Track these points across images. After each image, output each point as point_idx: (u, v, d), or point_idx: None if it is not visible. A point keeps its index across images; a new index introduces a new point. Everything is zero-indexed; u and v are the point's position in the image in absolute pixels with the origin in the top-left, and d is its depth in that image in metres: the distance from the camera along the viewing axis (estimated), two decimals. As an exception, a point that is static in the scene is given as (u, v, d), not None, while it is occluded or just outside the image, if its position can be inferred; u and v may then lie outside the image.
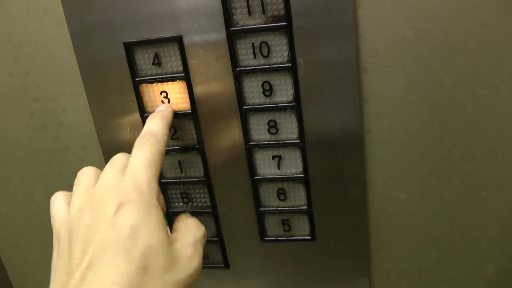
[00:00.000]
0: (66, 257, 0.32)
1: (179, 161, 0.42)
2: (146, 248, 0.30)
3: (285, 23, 0.36)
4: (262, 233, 0.44)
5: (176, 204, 0.45)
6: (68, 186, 0.48)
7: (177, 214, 0.43)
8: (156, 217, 0.32)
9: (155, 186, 0.33)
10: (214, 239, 0.45)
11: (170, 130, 0.41)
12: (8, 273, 0.56)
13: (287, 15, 0.36)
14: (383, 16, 0.36)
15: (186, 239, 0.35)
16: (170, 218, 0.45)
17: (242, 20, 0.37)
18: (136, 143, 0.35)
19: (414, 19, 0.36)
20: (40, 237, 0.53)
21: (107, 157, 0.44)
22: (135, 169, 0.33)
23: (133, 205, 0.31)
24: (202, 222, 0.42)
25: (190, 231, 0.36)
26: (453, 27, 0.36)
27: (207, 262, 0.47)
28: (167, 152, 0.42)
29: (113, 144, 0.43)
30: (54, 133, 0.45)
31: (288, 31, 0.37)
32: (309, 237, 0.44)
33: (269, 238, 0.44)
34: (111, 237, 0.30)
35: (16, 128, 0.46)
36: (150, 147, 0.34)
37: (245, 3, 0.36)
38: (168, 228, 0.45)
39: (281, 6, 0.36)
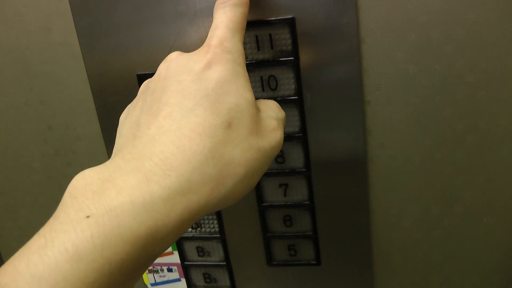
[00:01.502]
0: (138, 110, 0.30)
1: (189, 188, 0.45)
2: (231, 104, 0.28)
3: (292, 58, 0.39)
4: (269, 257, 0.47)
5: (185, 229, 0.47)
6: (79, 211, 0.50)
7: (186, 239, 0.46)
8: (244, 77, 0.30)
9: (242, 48, 0.32)
10: (222, 263, 0.48)
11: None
12: None
13: (294, 50, 0.39)
14: (386, 51, 0.39)
15: (269, 113, 0.33)
16: (180, 243, 0.47)
17: (252, 54, 0.40)
18: (217, 6, 0.33)
19: (415, 54, 0.39)
20: None
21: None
22: (221, 31, 0.31)
23: (221, 62, 0.30)
24: (210, 247, 0.45)
25: (272, 109, 0.33)
26: (453, 62, 0.38)
27: (215, 286, 0.49)
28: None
29: (124, 171, 0.46)
30: (67, 160, 0.48)
31: (295, 65, 0.39)
32: (315, 262, 0.46)
33: (275, 263, 0.47)
34: (193, 87, 0.28)
35: (30, 155, 0.49)
36: (233, 9, 0.32)
37: (254, 38, 0.39)
38: (176, 252, 0.47)
39: (289, 41, 0.39)
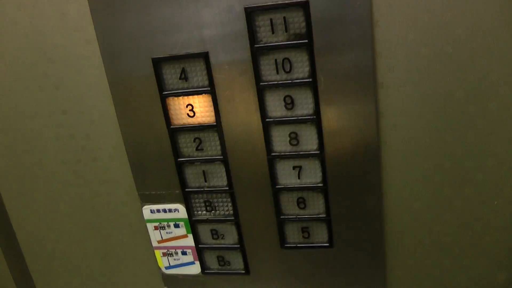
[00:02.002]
0: None
1: (203, 171, 0.47)
2: None
3: (306, 41, 0.41)
4: (282, 240, 0.49)
5: (200, 212, 0.49)
6: (93, 196, 0.53)
7: (201, 222, 0.48)
8: None
9: None
10: (236, 246, 0.50)
11: (194, 141, 0.46)
12: (34, 279, 0.60)
13: (308, 33, 0.41)
14: (399, 34, 0.41)
15: None
16: (194, 226, 0.49)
17: (266, 37, 0.41)
18: None
19: (428, 36, 0.40)
20: (65, 244, 0.57)
21: (134, 168, 0.48)
22: None
23: None
24: (224, 230, 0.47)
25: None
26: (465, 44, 0.40)
27: (228, 269, 0.51)
28: (191, 163, 0.47)
29: (139, 155, 0.48)
30: (81, 144, 0.50)
31: (309, 48, 0.41)
32: (327, 244, 0.48)
33: (289, 245, 0.49)
34: None
35: (44, 139, 0.51)
36: None
37: (268, 22, 0.41)
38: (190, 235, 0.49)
39: (303, 24, 0.40)
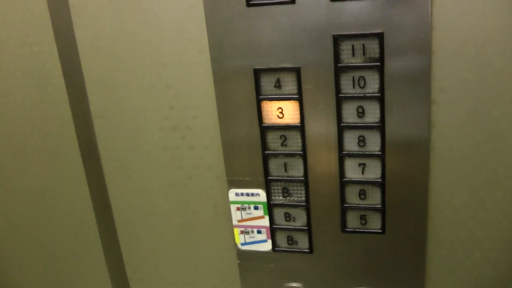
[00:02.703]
0: None
1: (285, 163, 0.62)
2: None
3: (378, 64, 0.56)
4: (343, 225, 0.64)
5: (277, 197, 0.64)
6: (186, 179, 0.68)
7: (277, 205, 0.63)
8: None
9: None
10: (304, 228, 0.65)
11: (280, 138, 0.61)
12: (121, 247, 0.75)
13: (381, 58, 0.56)
14: (450, 62, 0.56)
15: None
16: (271, 209, 0.64)
17: (347, 59, 0.57)
18: None
19: (473, 65, 0.55)
20: (154, 218, 0.74)
21: (226, 157, 0.64)
22: None
23: None
24: (296, 213, 0.62)
25: None
26: (501, 73, 0.55)
27: (295, 247, 0.66)
28: (275, 156, 0.62)
29: (232, 147, 0.63)
30: (182, 134, 0.65)
31: (380, 70, 0.56)
32: (380, 231, 0.63)
33: (348, 230, 0.64)
34: None
35: (151, 128, 0.67)
36: None
37: (350, 47, 0.56)
38: (267, 216, 0.64)
39: (377, 50, 0.56)
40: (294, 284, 0.68)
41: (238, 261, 0.70)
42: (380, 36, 0.55)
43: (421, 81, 0.56)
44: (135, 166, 0.70)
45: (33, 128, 0.74)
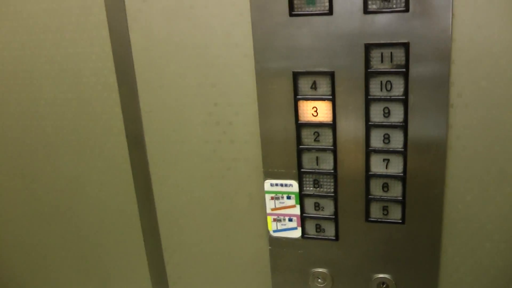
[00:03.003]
0: None
1: (317, 157, 0.72)
2: None
3: (404, 70, 0.66)
4: (367, 215, 0.73)
5: (309, 188, 0.74)
6: (225, 170, 0.77)
7: (307, 196, 0.72)
8: None
9: None
10: (331, 217, 0.74)
11: (314, 134, 0.70)
12: (160, 233, 0.86)
13: (406, 65, 0.65)
14: (467, 70, 0.65)
15: None
16: (302, 199, 0.73)
17: (376, 65, 0.66)
18: None
19: (487, 73, 0.65)
20: (193, 205, 0.84)
21: (264, 150, 0.73)
22: None
23: None
24: (324, 203, 0.71)
25: None
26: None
27: (323, 235, 0.75)
28: (309, 150, 0.71)
29: (270, 141, 0.73)
30: (224, 129, 0.75)
31: (405, 75, 0.66)
32: (401, 221, 0.72)
33: (371, 219, 0.73)
34: None
35: (195, 123, 0.77)
36: None
37: (379, 54, 0.66)
38: (298, 205, 0.73)
39: (403, 58, 0.65)
40: (320, 269, 0.77)
41: (270, 247, 0.80)
42: (406, 46, 0.65)
43: (441, 87, 0.65)
44: (178, 157, 0.80)
45: (83, 119, 0.85)
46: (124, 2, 0.74)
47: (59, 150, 0.88)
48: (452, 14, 0.62)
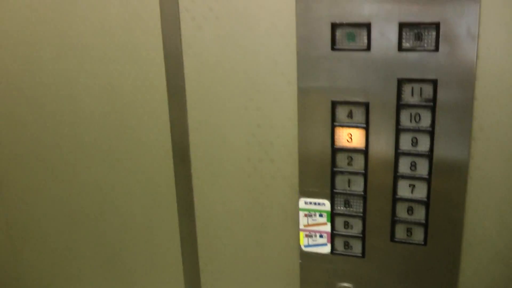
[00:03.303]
0: None
1: (349, 179, 0.81)
2: None
3: (431, 104, 0.75)
4: (392, 235, 0.82)
5: (340, 207, 0.83)
6: (264, 187, 0.87)
7: (338, 215, 0.81)
8: None
9: None
10: (359, 235, 0.83)
11: (347, 158, 0.79)
12: (199, 253, 0.95)
13: (434, 99, 0.75)
14: (490, 106, 0.74)
15: None
16: (333, 217, 0.82)
17: (407, 98, 0.76)
18: None
19: (510, 111, 0.74)
20: (230, 216, 0.93)
21: (301, 170, 0.83)
22: None
23: None
24: (354, 222, 0.80)
25: None
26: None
27: (350, 252, 0.84)
28: (342, 173, 0.81)
29: (307, 162, 0.82)
30: (266, 149, 0.85)
31: (433, 109, 0.75)
32: (423, 243, 0.80)
33: (396, 240, 0.82)
34: None
35: (239, 142, 0.87)
36: None
37: (410, 89, 0.75)
38: (329, 223, 0.82)
39: (431, 93, 0.75)
40: (345, 284, 0.86)
41: (300, 261, 0.89)
42: (434, 82, 0.74)
43: (464, 120, 0.75)
44: (221, 173, 0.90)
45: (131, 131, 0.96)
46: (180, 29, 0.85)
47: (108, 160, 0.99)
48: (477, 56, 0.72)
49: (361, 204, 0.83)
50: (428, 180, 0.79)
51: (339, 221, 0.85)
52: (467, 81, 0.73)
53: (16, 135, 1.05)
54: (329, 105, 0.80)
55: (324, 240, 0.86)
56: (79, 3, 0.91)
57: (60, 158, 1.03)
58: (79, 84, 0.96)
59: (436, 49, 0.73)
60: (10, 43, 0.98)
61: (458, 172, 0.77)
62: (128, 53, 0.90)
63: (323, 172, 0.83)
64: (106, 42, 0.92)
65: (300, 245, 0.88)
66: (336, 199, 0.84)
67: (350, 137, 0.81)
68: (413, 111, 0.77)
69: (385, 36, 0.75)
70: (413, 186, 0.80)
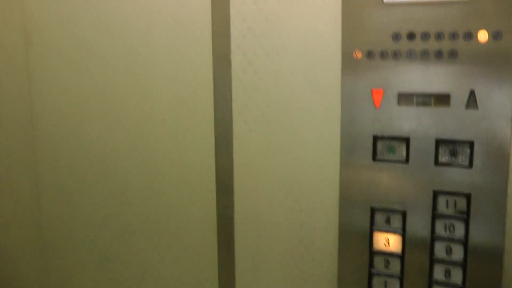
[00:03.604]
0: None
1: (385, 281, 0.88)
2: None
3: (465, 217, 0.83)
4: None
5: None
6: (302, 282, 0.94)
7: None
8: None
9: None
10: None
11: (384, 261, 0.87)
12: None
13: (467, 212, 0.83)
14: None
15: None
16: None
17: (441, 210, 0.84)
18: None
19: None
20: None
21: (340, 270, 0.91)
22: None
23: None
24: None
25: None
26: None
27: None
28: (379, 275, 0.88)
29: (346, 263, 0.91)
30: (307, 248, 0.93)
31: (466, 221, 0.83)
32: None
33: None
34: None
35: (283, 243, 0.95)
36: None
37: (445, 200, 0.83)
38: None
39: (465, 207, 0.83)
40: None
41: None
42: (468, 196, 0.83)
43: (497, 235, 0.82)
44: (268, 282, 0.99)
45: (178, 218, 1.06)
46: (232, 130, 0.97)
47: (149, 247, 1.09)
48: (507, 177, 0.80)
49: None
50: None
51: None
52: (499, 197, 0.81)
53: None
54: (369, 210, 0.88)
55: None
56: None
57: (107, 237, 1.14)
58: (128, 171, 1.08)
59: (470, 165, 0.82)
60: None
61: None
62: (180, 147, 1.02)
63: (361, 272, 0.91)
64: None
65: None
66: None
67: (387, 241, 0.88)
68: (448, 221, 0.85)
69: (422, 151, 0.85)
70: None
